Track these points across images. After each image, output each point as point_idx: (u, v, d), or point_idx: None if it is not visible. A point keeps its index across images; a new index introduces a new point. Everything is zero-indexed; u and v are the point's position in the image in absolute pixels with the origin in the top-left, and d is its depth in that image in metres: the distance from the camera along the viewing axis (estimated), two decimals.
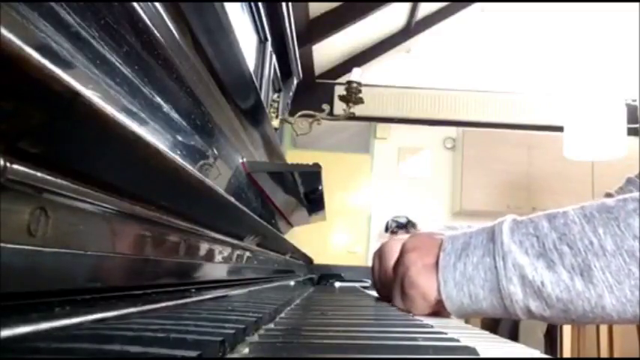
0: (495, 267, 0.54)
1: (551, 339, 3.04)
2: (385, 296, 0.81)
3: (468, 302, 0.56)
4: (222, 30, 0.55)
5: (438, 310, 0.60)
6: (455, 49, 4.76)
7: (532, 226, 0.54)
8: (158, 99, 0.42)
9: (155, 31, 0.43)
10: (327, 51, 4.22)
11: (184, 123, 0.49)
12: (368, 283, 1.50)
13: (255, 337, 0.34)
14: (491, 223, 0.58)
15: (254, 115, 0.83)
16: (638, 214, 0.50)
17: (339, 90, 2.11)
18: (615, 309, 0.50)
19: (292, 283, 1.13)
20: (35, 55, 0.15)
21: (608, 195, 0.88)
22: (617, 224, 0.50)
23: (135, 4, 0.39)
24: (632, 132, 3.84)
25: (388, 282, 0.77)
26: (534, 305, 0.53)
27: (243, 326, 0.32)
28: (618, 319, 0.51)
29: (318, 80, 4.44)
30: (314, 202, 1.25)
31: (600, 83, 4.33)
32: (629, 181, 0.88)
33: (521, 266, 0.52)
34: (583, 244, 0.51)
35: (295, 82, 1.73)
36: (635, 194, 0.52)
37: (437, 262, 0.58)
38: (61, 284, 0.20)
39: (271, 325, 0.41)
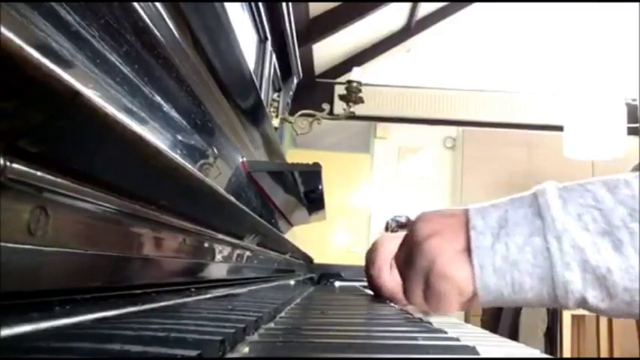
0: (548, 249, 0.44)
1: (551, 339, 3.04)
2: (377, 292, 0.82)
3: (510, 292, 0.45)
4: (222, 29, 0.55)
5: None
6: (455, 48, 4.75)
7: (590, 197, 0.45)
8: (158, 98, 0.42)
9: (155, 31, 0.43)
10: (328, 50, 4.21)
11: (184, 122, 0.49)
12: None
13: (255, 337, 0.34)
14: (524, 192, 0.49)
15: (254, 114, 0.83)
16: None
17: (339, 89, 2.11)
18: None
19: (292, 282, 1.13)
20: (35, 54, 0.15)
21: None
22: None
23: (135, 3, 0.39)
24: (632, 132, 3.83)
25: (378, 276, 0.78)
26: (592, 295, 0.44)
27: (243, 325, 0.32)
28: None
29: (318, 79, 4.43)
30: (314, 202, 1.25)
31: (600, 83, 4.32)
32: None
33: (582, 249, 0.43)
34: None
35: (295, 81, 1.73)
36: None
37: (469, 245, 0.47)
38: (61, 283, 0.20)
39: (271, 325, 0.41)
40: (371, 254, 0.82)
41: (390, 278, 0.78)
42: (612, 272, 0.42)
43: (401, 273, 0.54)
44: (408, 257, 0.52)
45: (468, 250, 0.47)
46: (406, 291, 0.52)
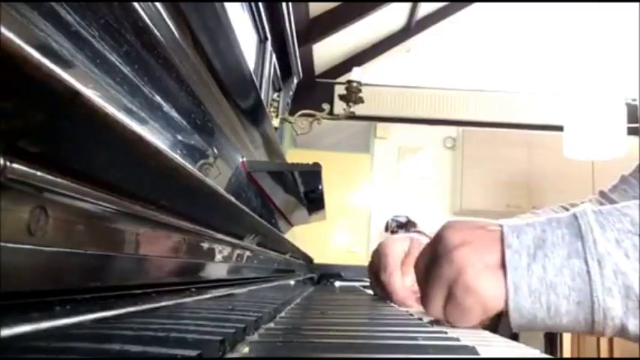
0: (588, 272, 0.42)
1: (551, 339, 3.04)
2: (383, 295, 0.80)
3: (544, 316, 0.43)
4: (222, 29, 0.55)
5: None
6: (455, 48, 4.76)
7: (628, 221, 0.43)
8: (158, 98, 0.42)
9: (155, 31, 0.43)
10: (327, 50, 4.21)
11: (184, 122, 0.49)
12: (368, 282, 1.50)
13: (255, 337, 0.34)
14: (562, 213, 0.47)
15: (254, 114, 0.83)
16: None
17: (339, 89, 2.11)
18: None
19: (292, 282, 1.13)
20: (35, 54, 0.15)
21: (602, 193, 0.88)
22: None
23: (135, 3, 0.39)
24: (632, 132, 3.84)
25: (389, 282, 0.77)
26: (633, 323, 0.41)
27: (243, 325, 0.32)
28: None
29: (318, 79, 4.43)
30: (314, 202, 1.25)
31: (600, 83, 4.33)
32: (622, 179, 0.87)
33: (625, 273, 0.41)
34: None
35: (295, 81, 1.74)
36: None
37: (503, 262, 0.44)
38: (60, 283, 0.20)
39: (271, 325, 0.41)
40: (380, 259, 0.78)
41: (402, 284, 0.74)
42: None
43: (420, 279, 0.52)
44: (432, 264, 0.49)
45: (499, 267, 0.45)
46: (425, 298, 0.49)
